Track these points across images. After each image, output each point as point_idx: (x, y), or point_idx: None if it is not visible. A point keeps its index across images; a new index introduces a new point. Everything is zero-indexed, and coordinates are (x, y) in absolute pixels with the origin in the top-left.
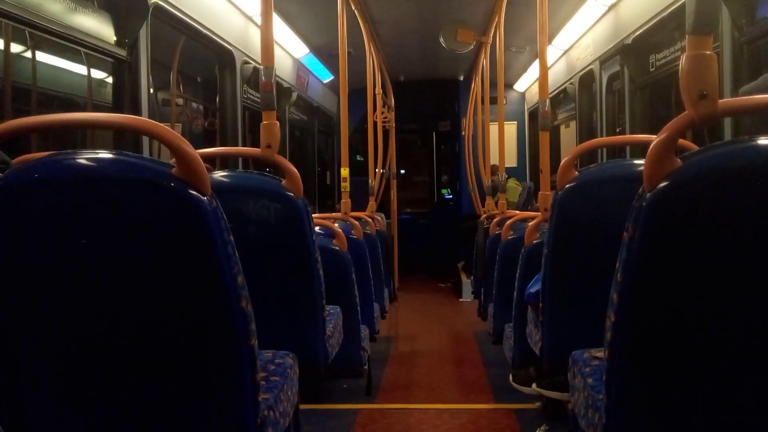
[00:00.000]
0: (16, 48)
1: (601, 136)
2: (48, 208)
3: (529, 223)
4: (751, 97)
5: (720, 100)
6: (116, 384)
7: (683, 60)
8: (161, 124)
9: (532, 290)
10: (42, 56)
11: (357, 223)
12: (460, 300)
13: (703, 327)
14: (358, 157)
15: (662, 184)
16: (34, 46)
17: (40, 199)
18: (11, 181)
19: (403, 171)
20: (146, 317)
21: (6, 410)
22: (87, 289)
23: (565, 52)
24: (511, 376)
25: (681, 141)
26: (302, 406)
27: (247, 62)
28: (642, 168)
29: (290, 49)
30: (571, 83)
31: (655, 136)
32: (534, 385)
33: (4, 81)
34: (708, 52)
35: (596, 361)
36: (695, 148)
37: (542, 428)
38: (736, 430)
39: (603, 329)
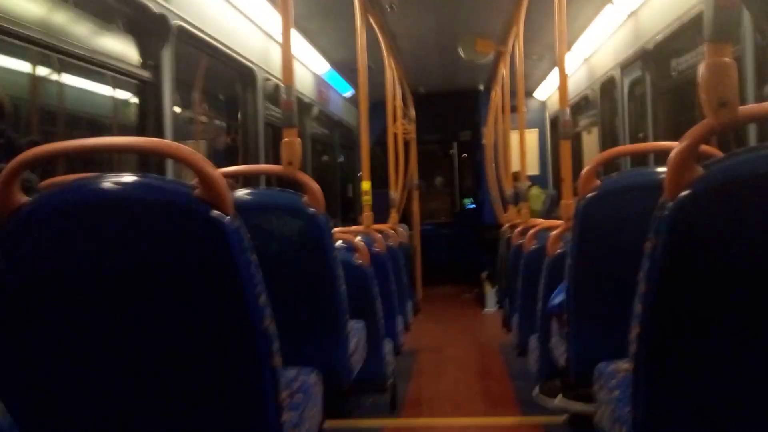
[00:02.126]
0: (42, 71)
1: (624, 142)
2: (74, 232)
3: (552, 233)
4: None
5: (741, 107)
6: (138, 406)
7: (702, 68)
8: (183, 146)
9: (556, 301)
10: (68, 78)
11: (379, 236)
12: (484, 311)
13: (729, 338)
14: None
15: (684, 193)
16: (61, 69)
17: (67, 223)
18: (40, 206)
19: (424, 182)
20: (169, 338)
21: None
22: (111, 312)
23: (586, 59)
24: (536, 388)
25: (705, 147)
26: (327, 423)
27: (268, 79)
28: (664, 176)
29: (311, 65)
30: (593, 90)
31: (677, 144)
32: (559, 398)
33: (30, 104)
34: (727, 60)
35: (622, 373)
36: (720, 154)
37: None
38: None
39: (628, 340)
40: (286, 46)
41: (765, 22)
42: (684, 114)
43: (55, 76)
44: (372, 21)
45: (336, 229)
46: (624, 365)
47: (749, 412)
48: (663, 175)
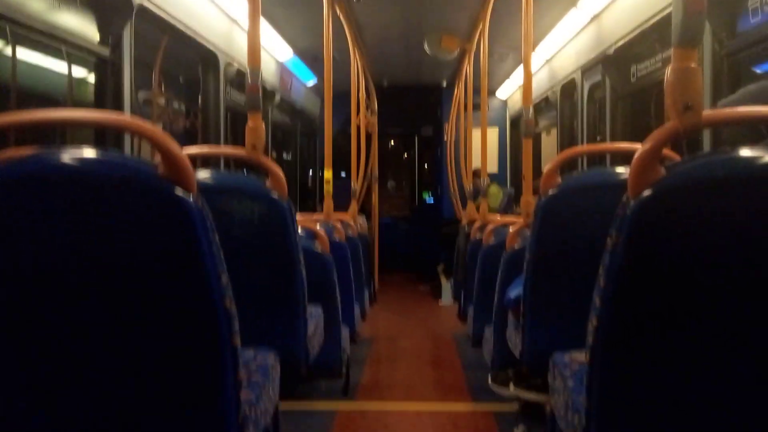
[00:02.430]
0: None
1: (582, 143)
2: (31, 205)
3: (511, 229)
4: (734, 109)
5: (704, 112)
6: (96, 381)
7: (668, 72)
8: (147, 123)
9: (512, 294)
10: (22, 53)
11: (339, 225)
12: (440, 302)
13: (685, 333)
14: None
15: (646, 193)
16: (15, 43)
17: (22, 196)
18: None
19: (385, 174)
20: (129, 315)
21: None
22: (68, 287)
23: (548, 60)
24: (489, 378)
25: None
26: (282, 405)
27: (230, 64)
28: (625, 176)
29: (274, 52)
30: (553, 91)
31: (638, 145)
32: (512, 387)
33: None
34: (693, 65)
35: (577, 363)
36: (677, 157)
37: (520, 429)
38: None
39: (583, 332)
40: (253, 29)
41: (723, 31)
42: (641, 119)
43: (8, 50)
44: (338, 11)
45: (297, 216)
46: (579, 355)
47: (700, 405)
48: (623, 176)
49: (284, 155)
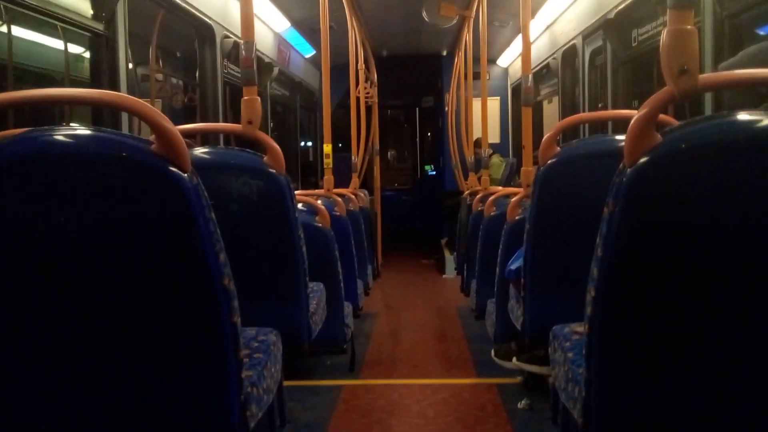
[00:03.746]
0: None
1: (584, 111)
2: (25, 185)
3: (512, 199)
4: (731, 72)
5: (700, 75)
6: (98, 360)
7: (664, 34)
8: (140, 100)
9: (513, 266)
10: (17, 31)
11: (340, 199)
12: (444, 276)
13: (682, 300)
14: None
15: (642, 160)
16: (10, 20)
17: (16, 176)
18: None
19: (386, 147)
20: (128, 295)
21: None
22: (66, 268)
23: (548, 26)
24: (492, 351)
25: (662, 116)
26: (286, 383)
27: (227, 36)
28: (623, 143)
29: (271, 23)
30: (554, 58)
31: (637, 112)
32: (514, 360)
33: None
34: (689, 27)
35: (576, 335)
36: (676, 123)
37: (523, 402)
38: (714, 403)
39: (583, 304)
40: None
41: None
42: (643, 84)
43: (3, 28)
44: None
45: (297, 192)
46: (578, 327)
47: (698, 374)
48: (621, 143)
49: (284, 130)
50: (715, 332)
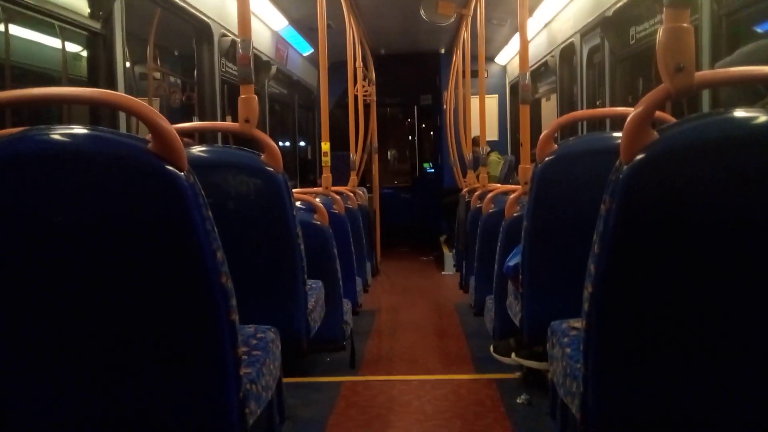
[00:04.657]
0: None
1: (582, 109)
2: (21, 184)
3: (510, 197)
4: (726, 69)
5: (697, 73)
6: (96, 359)
7: (660, 32)
8: (135, 99)
9: (511, 263)
10: (15, 30)
11: (338, 197)
12: (442, 273)
13: (679, 297)
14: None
15: (639, 157)
16: (7, 19)
17: (13, 175)
18: None
19: (384, 145)
20: (125, 294)
21: None
22: (63, 267)
23: (546, 24)
24: (491, 347)
25: (659, 113)
26: (286, 380)
27: (225, 35)
28: (620, 141)
29: (269, 22)
30: (552, 56)
31: (633, 109)
32: (513, 356)
33: None
34: (685, 25)
35: (574, 331)
36: (673, 120)
37: (522, 397)
38: (711, 398)
39: (581, 300)
40: None
41: None
42: (641, 82)
43: (0, 27)
44: None
45: (295, 191)
46: (576, 323)
47: (696, 368)
48: (618, 140)
49: (282, 128)
50: (712, 328)
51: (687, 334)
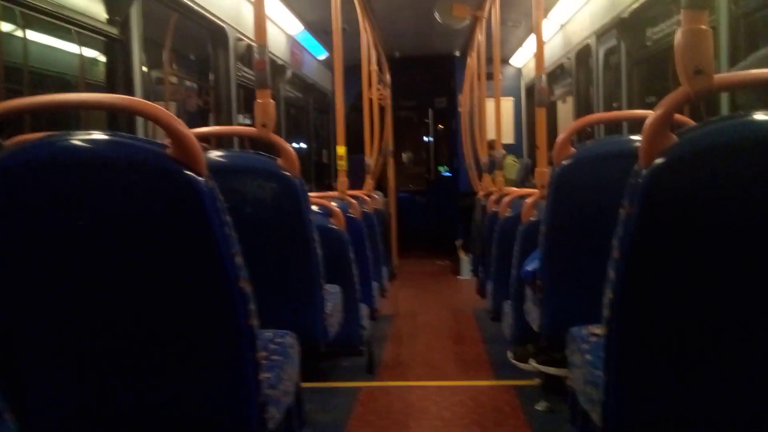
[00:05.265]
0: (5, 27)
1: (598, 111)
2: (42, 190)
3: (527, 200)
4: (746, 71)
5: (716, 75)
6: (116, 363)
7: (678, 35)
8: (155, 105)
9: (529, 268)
10: (33, 35)
11: (354, 201)
12: (459, 278)
13: (700, 303)
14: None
15: (658, 161)
16: (26, 25)
17: (34, 181)
18: (5, 164)
19: (400, 148)
20: (145, 298)
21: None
22: (84, 272)
23: (562, 26)
24: (509, 352)
25: (678, 117)
26: (304, 385)
27: (240, 39)
28: (638, 144)
29: (284, 26)
30: (568, 58)
31: (652, 112)
32: (532, 362)
33: None
34: (703, 27)
35: (594, 337)
36: (692, 123)
37: (541, 404)
38: (735, 405)
39: (601, 306)
40: (258, 3)
41: None
42: (658, 84)
43: (19, 32)
44: None
45: (311, 195)
46: (596, 329)
47: (720, 375)
48: (637, 143)
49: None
50: (735, 334)
51: (710, 340)
